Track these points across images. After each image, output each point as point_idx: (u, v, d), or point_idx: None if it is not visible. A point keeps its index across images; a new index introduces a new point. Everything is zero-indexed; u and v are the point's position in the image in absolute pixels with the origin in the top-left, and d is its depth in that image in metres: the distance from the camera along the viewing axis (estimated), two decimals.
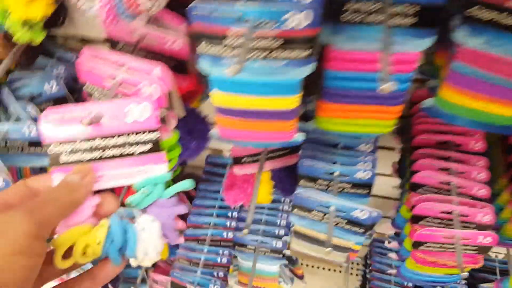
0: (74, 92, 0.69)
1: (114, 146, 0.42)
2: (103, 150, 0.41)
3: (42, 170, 0.71)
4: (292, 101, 0.41)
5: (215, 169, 0.93)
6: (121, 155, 0.42)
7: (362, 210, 0.55)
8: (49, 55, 0.73)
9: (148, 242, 0.43)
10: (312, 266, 1.34)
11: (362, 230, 0.58)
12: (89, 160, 0.42)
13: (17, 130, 0.62)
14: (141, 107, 0.40)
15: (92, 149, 0.41)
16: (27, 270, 0.33)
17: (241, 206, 0.89)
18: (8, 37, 0.61)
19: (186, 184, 0.46)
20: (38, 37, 0.40)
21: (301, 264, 1.31)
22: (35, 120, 0.64)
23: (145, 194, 0.43)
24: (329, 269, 1.34)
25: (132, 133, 0.41)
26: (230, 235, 0.85)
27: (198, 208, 0.89)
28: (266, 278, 0.90)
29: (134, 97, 0.41)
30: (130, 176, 0.43)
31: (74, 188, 0.38)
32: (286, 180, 0.69)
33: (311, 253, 0.68)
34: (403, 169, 0.71)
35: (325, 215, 0.58)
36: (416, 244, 0.57)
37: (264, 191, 0.68)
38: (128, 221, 0.42)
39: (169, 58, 0.47)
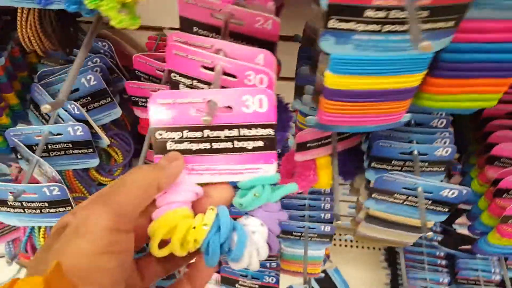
0: (109, 84, 0.63)
1: (225, 138, 0.37)
2: (213, 142, 0.37)
3: (84, 172, 0.65)
4: (418, 79, 0.37)
5: None
6: (231, 149, 0.37)
7: (451, 189, 0.52)
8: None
9: (258, 246, 0.38)
10: (340, 245, 1.34)
11: (446, 209, 0.55)
12: (197, 151, 0.37)
13: (60, 131, 0.56)
14: (257, 98, 0.35)
15: (201, 140, 0.36)
16: (116, 270, 0.28)
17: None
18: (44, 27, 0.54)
19: (292, 187, 0.41)
20: (136, 23, 0.34)
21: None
22: (77, 119, 0.58)
23: (256, 196, 0.39)
24: (355, 246, 1.34)
25: (247, 127, 0.36)
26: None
27: None
28: (310, 263, 0.87)
29: (249, 87, 0.36)
30: (238, 173, 0.38)
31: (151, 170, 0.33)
32: (349, 163, 0.66)
33: (381, 236, 0.65)
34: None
35: (407, 197, 0.55)
36: (505, 219, 0.55)
37: (326, 176, 0.65)
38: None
39: (257, 40, 0.42)
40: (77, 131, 0.56)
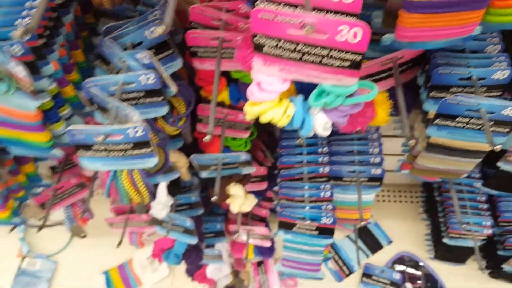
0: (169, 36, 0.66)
1: (315, 54, 0.40)
2: (304, 55, 0.41)
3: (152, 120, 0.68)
4: None
5: None
6: (319, 63, 0.41)
7: None
8: None
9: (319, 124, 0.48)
10: (378, 201, 1.37)
11: (507, 130, 0.58)
12: (288, 58, 0.43)
13: (133, 79, 0.59)
14: (353, 30, 0.38)
15: (293, 51, 0.42)
16: None
17: (329, 141, 0.88)
18: None
19: (368, 97, 0.45)
20: None
21: None
22: (149, 67, 0.61)
23: (327, 104, 0.44)
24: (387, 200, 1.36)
25: (338, 50, 0.40)
26: (326, 169, 0.84)
27: (286, 149, 0.88)
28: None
29: (348, 19, 0.39)
30: (322, 79, 0.43)
31: None
32: (405, 97, 0.68)
33: (440, 166, 0.68)
34: None
35: (470, 119, 0.57)
36: None
37: (383, 112, 0.67)
38: None
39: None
40: (149, 79, 0.59)
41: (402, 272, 1.21)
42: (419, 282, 1.22)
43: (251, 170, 0.80)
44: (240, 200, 0.83)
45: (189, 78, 0.77)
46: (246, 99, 0.76)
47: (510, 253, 1.08)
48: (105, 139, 0.55)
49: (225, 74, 0.73)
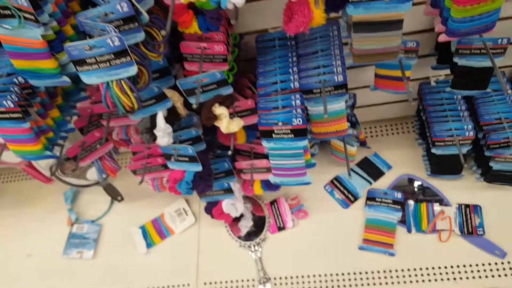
0: None
1: None
2: None
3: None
4: None
5: (266, 44, 1.07)
6: None
7: None
8: None
9: None
10: (376, 136, 1.47)
11: None
12: None
13: (112, 9, 0.76)
14: None
15: None
16: None
17: (298, 58, 1.02)
18: None
19: None
20: None
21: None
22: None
23: None
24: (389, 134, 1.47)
25: None
26: (297, 84, 0.98)
27: (262, 74, 1.03)
28: (335, 120, 1.03)
29: None
30: None
31: None
32: None
33: (372, 46, 0.80)
34: None
35: None
36: None
37: (318, 12, 0.80)
38: None
39: None
40: (123, 7, 0.76)
41: (403, 191, 1.31)
42: (420, 197, 1.31)
43: (229, 90, 0.96)
44: (226, 119, 0.97)
45: None
46: (216, 28, 0.93)
47: (494, 151, 1.16)
48: (92, 50, 0.72)
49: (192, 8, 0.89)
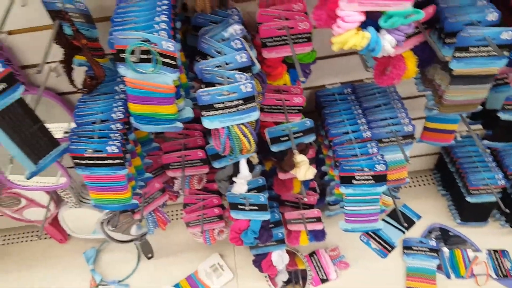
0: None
1: None
2: None
3: None
4: None
5: (327, 98, 1.14)
6: None
7: (507, 31, 0.77)
8: None
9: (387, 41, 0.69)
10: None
11: (506, 52, 0.80)
12: None
13: (230, 60, 0.79)
14: None
15: None
16: None
17: (364, 111, 1.09)
18: None
19: (418, 16, 0.67)
20: None
21: None
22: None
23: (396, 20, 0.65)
24: None
25: None
26: (369, 134, 1.04)
27: (333, 125, 1.08)
28: (398, 168, 1.09)
29: None
30: (388, 6, 0.65)
31: None
32: (424, 53, 0.90)
33: (465, 97, 0.88)
34: None
35: (479, 48, 0.79)
36: None
37: (412, 65, 0.88)
38: None
39: None
40: (242, 58, 0.79)
41: (435, 239, 1.38)
42: (452, 245, 1.38)
43: (312, 137, 1.00)
44: (305, 166, 1.00)
45: None
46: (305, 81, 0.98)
47: None
48: (229, 95, 0.74)
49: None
